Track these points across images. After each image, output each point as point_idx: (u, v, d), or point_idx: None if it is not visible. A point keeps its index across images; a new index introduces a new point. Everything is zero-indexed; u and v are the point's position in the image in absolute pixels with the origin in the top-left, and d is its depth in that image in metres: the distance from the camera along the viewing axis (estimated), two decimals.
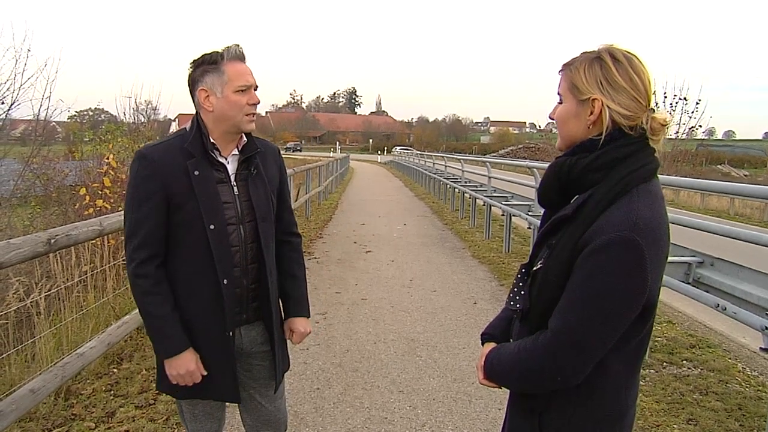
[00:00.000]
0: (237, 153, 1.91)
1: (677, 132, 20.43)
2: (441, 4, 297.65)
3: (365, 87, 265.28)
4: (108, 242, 5.24)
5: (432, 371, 4.02)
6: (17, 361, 3.52)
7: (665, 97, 19.16)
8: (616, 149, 1.21)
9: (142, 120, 10.90)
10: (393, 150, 58.65)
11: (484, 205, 9.96)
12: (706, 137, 36.19)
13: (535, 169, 7.90)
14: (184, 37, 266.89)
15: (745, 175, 39.88)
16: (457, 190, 13.11)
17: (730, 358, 4.39)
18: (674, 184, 4.87)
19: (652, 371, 4.05)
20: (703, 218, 8.53)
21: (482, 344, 1.48)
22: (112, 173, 6.87)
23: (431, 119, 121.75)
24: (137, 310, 2.66)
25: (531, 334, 1.27)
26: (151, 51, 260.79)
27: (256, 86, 1.86)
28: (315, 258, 7.82)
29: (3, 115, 7.76)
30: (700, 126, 21.20)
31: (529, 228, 7.49)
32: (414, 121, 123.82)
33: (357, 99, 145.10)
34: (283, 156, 2.20)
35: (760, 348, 3.00)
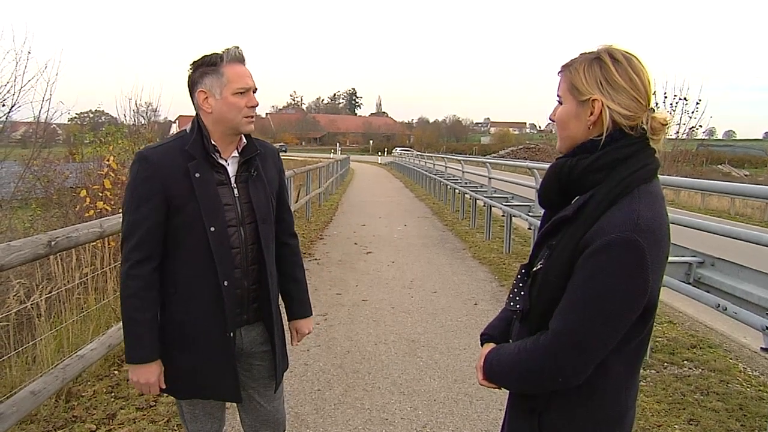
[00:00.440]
0: (237, 155, 1.91)
1: (677, 132, 20.44)
2: (441, 4, 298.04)
3: (365, 88, 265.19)
4: (108, 244, 5.24)
5: (433, 372, 4.01)
6: (18, 363, 3.52)
7: (665, 97, 19.18)
8: (616, 150, 1.21)
9: (143, 122, 10.91)
10: (393, 151, 58.65)
11: (484, 205, 9.96)
12: (706, 137, 36.18)
13: (535, 170, 7.90)
14: (184, 38, 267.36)
15: (746, 175, 39.88)
16: (457, 191, 13.12)
17: (731, 358, 4.38)
18: (675, 184, 4.87)
19: (653, 371, 4.05)
20: (703, 218, 8.52)
21: (481, 345, 1.47)
22: (113, 175, 6.87)
23: (431, 120, 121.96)
24: None
25: (531, 335, 1.26)
26: (152, 52, 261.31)
27: (255, 89, 1.86)
28: (315, 259, 7.82)
29: (3, 118, 7.78)
30: (701, 126, 21.21)
31: (530, 228, 7.49)
32: (414, 122, 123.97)
33: (357, 100, 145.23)
34: (283, 157, 2.20)
35: (761, 348, 3.00)
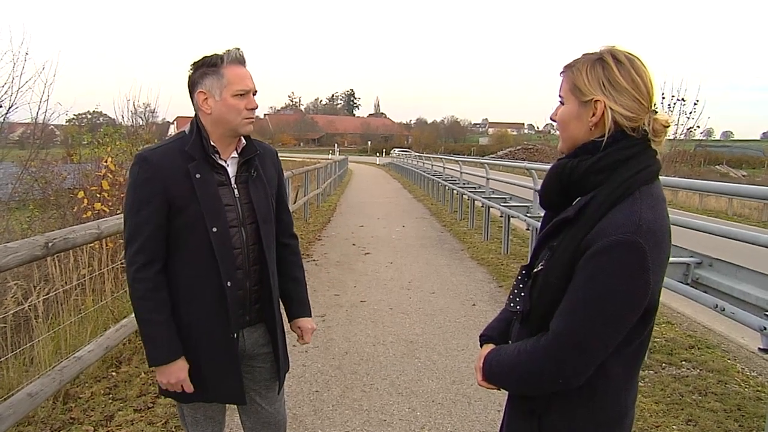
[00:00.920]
0: (236, 155, 1.91)
1: (675, 133, 20.44)
2: (439, 5, 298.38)
3: (363, 89, 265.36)
4: (106, 245, 5.23)
5: (431, 373, 4.01)
6: (15, 365, 3.51)
7: (663, 97, 19.16)
8: (618, 151, 1.21)
9: (141, 123, 10.88)
10: (391, 152, 58.65)
11: (482, 206, 9.96)
12: (704, 138, 36.21)
13: (533, 171, 7.91)
14: (183, 38, 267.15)
15: (744, 176, 39.93)
16: (455, 191, 13.12)
17: (729, 359, 4.39)
18: (673, 184, 4.88)
19: (651, 372, 4.05)
20: (701, 219, 8.54)
21: (480, 346, 1.47)
22: (111, 176, 6.86)
23: (429, 121, 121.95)
24: None
25: (531, 336, 1.26)
26: (150, 53, 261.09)
27: (255, 91, 1.86)
28: (314, 260, 7.81)
29: (1, 119, 7.77)
30: (698, 127, 21.21)
31: (528, 229, 7.49)
32: (412, 122, 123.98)
33: (355, 101, 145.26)
34: (281, 158, 2.20)
35: (759, 348, 3.00)
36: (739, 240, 3.35)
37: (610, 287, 1.13)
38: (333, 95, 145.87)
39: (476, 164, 14.61)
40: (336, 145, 72.92)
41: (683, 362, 4.27)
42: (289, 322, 2.18)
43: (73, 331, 3.99)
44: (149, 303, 1.79)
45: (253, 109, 1.85)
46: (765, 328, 2.89)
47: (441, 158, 19.32)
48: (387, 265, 7.60)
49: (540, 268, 1.27)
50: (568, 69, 1.29)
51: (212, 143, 1.84)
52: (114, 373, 3.85)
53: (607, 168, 1.20)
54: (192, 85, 1.83)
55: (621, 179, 1.19)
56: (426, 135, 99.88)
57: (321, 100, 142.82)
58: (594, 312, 1.15)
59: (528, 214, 7.62)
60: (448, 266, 7.62)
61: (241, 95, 1.80)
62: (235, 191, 1.88)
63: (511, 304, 1.36)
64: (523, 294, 1.32)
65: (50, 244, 2.49)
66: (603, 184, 1.20)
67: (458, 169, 14.15)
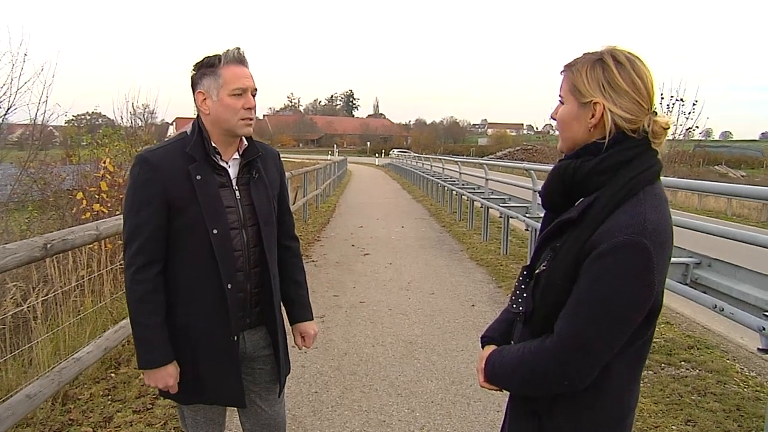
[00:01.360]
0: (238, 157, 1.90)
1: (674, 133, 20.48)
2: (438, 5, 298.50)
3: (363, 90, 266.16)
4: (105, 246, 5.23)
5: (430, 374, 4.01)
6: (14, 366, 3.51)
7: (662, 97, 19.20)
8: (621, 152, 1.20)
9: (140, 124, 10.87)
10: (390, 152, 58.63)
11: (481, 207, 9.96)
12: (703, 138, 36.25)
13: (532, 171, 7.91)
14: (182, 39, 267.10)
15: (742, 176, 39.96)
16: (454, 192, 13.12)
17: (728, 359, 4.39)
18: (672, 185, 4.89)
19: (650, 372, 4.05)
20: (700, 219, 8.54)
21: (482, 347, 1.47)
22: (109, 177, 6.86)
23: (429, 122, 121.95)
24: None
25: (534, 337, 1.26)
26: (149, 54, 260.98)
27: (255, 90, 1.84)
28: (313, 261, 7.81)
29: (0, 120, 7.76)
30: (697, 127, 21.25)
31: (527, 230, 7.49)
32: (411, 123, 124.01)
33: (354, 102, 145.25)
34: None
35: (758, 348, 2.99)
36: (738, 240, 3.35)
37: (616, 288, 1.13)
38: (332, 96, 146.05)
39: (475, 165, 14.61)
40: (335, 145, 72.88)
41: (682, 362, 4.27)
42: (290, 325, 2.17)
43: (72, 332, 3.98)
44: (147, 305, 1.79)
45: (251, 109, 1.82)
46: (764, 329, 2.89)
47: (440, 159, 19.31)
48: (386, 266, 7.60)
49: (542, 268, 1.27)
50: (569, 69, 1.28)
51: (213, 144, 1.83)
52: (113, 375, 3.84)
53: (610, 169, 1.20)
54: (193, 86, 1.83)
55: (624, 180, 1.18)
56: (425, 135, 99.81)
57: (320, 101, 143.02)
58: (599, 314, 1.14)
59: (527, 215, 7.62)
60: (448, 267, 7.62)
61: (238, 94, 1.78)
62: (237, 193, 1.87)
63: (513, 306, 1.36)
64: (525, 295, 1.32)
65: (49, 246, 2.48)
66: (606, 185, 1.20)
67: (457, 170, 14.16)
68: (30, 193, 8.54)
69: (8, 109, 7.56)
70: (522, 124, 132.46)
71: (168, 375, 1.82)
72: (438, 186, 16.38)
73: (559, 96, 1.31)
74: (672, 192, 19.90)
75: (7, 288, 4.36)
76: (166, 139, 2.02)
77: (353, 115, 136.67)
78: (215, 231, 1.79)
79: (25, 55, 7.51)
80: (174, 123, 34.84)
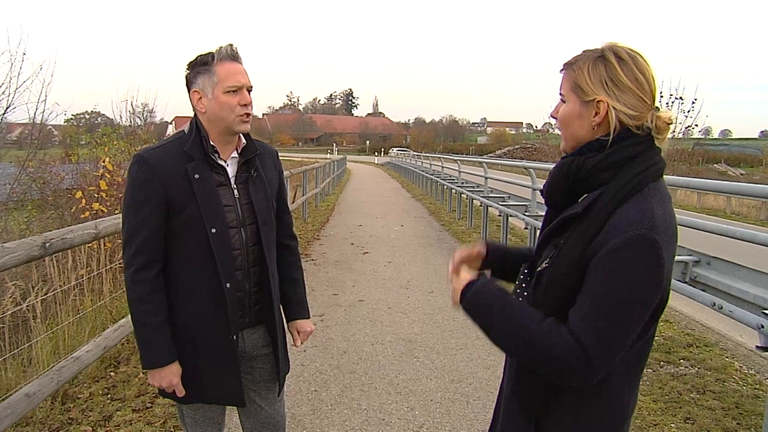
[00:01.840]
0: (236, 155, 1.90)
1: (674, 131, 20.48)
2: (438, 4, 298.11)
3: (362, 88, 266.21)
4: (104, 245, 5.22)
5: (429, 372, 4.01)
6: (13, 365, 3.51)
7: (661, 96, 19.20)
8: (625, 148, 1.19)
9: (139, 123, 10.86)
10: (390, 151, 58.62)
11: (481, 205, 9.95)
12: (702, 136, 36.27)
13: (531, 170, 7.90)
14: (181, 38, 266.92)
15: (742, 174, 39.98)
16: (454, 191, 13.11)
17: (727, 357, 4.40)
18: (671, 183, 4.88)
19: (649, 370, 4.06)
20: (699, 217, 8.54)
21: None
22: (109, 176, 6.85)
23: (428, 120, 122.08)
24: None
25: None
26: (148, 53, 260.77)
27: (250, 87, 1.83)
28: (312, 260, 7.81)
29: None
30: (697, 125, 21.26)
31: (526, 228, 7.48)
32: (411, 122, 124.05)
33: (354, 100, 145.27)
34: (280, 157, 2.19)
35: (757, 346, 3.00)
36: (737, 238, 3.35)
37: (630, 283, 1.11)
38: (331, 95, 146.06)
39: (475, 163, 14.61)
40: (334, 144, 72.94)
41: (681, 360, 4.27)
42: (287, 322, 2.17)
43: (71, 331, 3.98)
44: (147, 306, 1.79)
45: (247, 105, 1.81)
46: (763, 326, 2.89)
47: (439, 157, 19.30)
48: (386, 265, 7.60)
49: (545, 266, 1.25)
50: (569, 67, 1.27)
51: (211, 143, 1.83)
52: (112, 373, 3.85)
53: (614, 165, 1.19)
54: (188, 85, 1.83)
55: (630, 176, 1.17)
56: (424, 134, 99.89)
57: (319, 100, 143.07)
58: (614, 309, 1.12)
59: (526, 213, 7.61)
60: (447, 265, 7.58)
61: (233, 91, 1.77)
62: (235, 191, 1.87)
63: None
64: (526, 293, 1.31)
65: (48, 245, 2.48)
66: (610, 182, 1.19)
67: (457, 169, 14.15)
68: (29, 192, 8.54)
69: (7, 108, 7.57)
70: (521, 123, 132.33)
71: (172, 374, 1.83)
72: (437, 184, 16.37)
73: (560, 94, 1.29)
74: (671, 190, 19.79)
75: (6, 287, 4.36)
76: (164, 138, 2.02)
77: (352, 114, 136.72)
78: (214, 230, 1.79)
79: (24, 54, 7.53)
80: (173, 122, 34.79)
